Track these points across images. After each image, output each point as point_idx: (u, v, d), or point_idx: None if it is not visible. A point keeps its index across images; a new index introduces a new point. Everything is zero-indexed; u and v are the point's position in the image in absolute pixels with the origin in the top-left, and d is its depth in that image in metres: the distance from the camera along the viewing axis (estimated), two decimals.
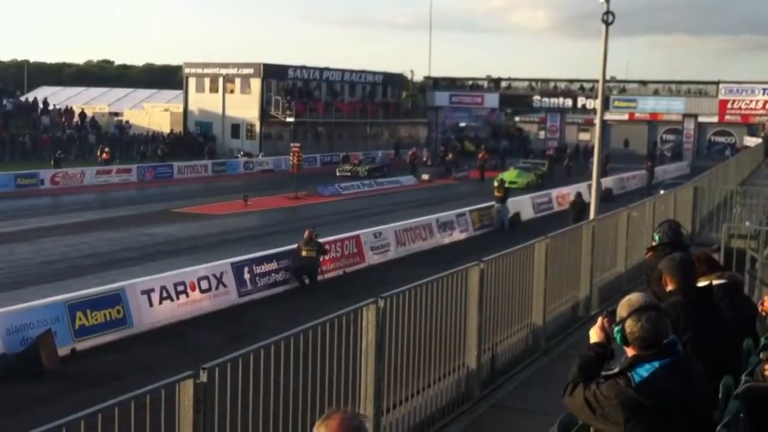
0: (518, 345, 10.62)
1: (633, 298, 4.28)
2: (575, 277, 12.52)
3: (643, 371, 4.02)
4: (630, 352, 4.15)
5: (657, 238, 7.64)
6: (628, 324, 4.12)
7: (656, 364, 4.04)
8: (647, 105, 74.77)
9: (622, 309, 4.20)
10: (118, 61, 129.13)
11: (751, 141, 67.38)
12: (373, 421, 7.21)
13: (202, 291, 18.42)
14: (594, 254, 12.84)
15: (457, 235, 29.66)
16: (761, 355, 5.64)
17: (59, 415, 4.99)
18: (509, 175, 46.66)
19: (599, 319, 4.44)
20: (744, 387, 4.98)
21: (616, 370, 4.09)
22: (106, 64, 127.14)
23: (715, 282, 6.09)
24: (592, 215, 25.44)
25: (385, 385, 7.41)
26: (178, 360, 13.62)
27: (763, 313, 6.59)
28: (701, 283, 6.06)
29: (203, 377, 5.35)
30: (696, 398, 4.10)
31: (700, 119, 74.16)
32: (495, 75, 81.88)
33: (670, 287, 5.67)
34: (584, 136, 76.62)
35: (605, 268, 14.05)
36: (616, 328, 4.18)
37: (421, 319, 8.11)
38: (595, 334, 4.44)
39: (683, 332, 5.08)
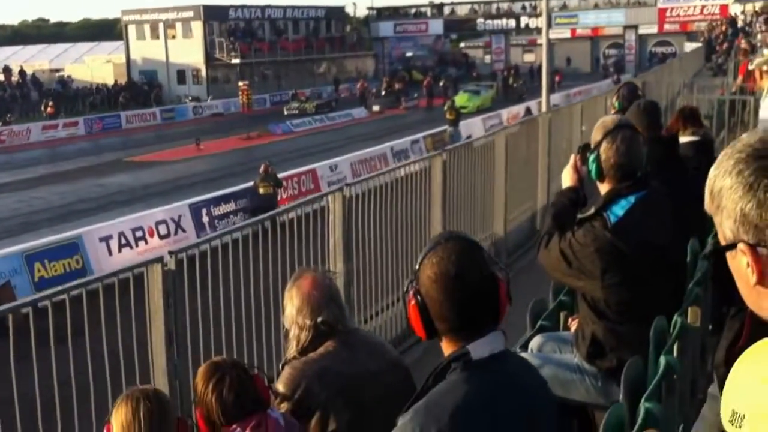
0: None
1: (607, 120, 4.12)
2: (533, 181, 12.36)
3: (619, 209, 3.89)
4: (605, 188, 4.00)
5: (617, 104, 7.45)
6: (604, 148, 3.94)
7: (631, 199, 3.91)
8: (588, 19, 74.93)
9: (597, 133, 4.02)
10: (53, 19, 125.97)
11: (691, 46, 67.63)
12: None
13: (161, 237, 18.01)
14: (551, 151, 12.62)
15: (411, 167, 29.31)
16: None
17: (23, 358, 4.78)
18: (459, 99, 46.49)
19: (572, 158, 4.26)
20: (710, 248, 4.97)
21: (592, 210, 3.96)
22: (41, 23, 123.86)
23: (688, 138, 5.98)
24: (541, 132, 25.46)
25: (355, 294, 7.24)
26: None
27: None
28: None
29: (171, 264, 5.17)
30: (671, 239, 4.01)
31: (641, 31, 74.35)
32: (437, 0, 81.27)
33: None
34: (529, 57, 76.45)
35: (561, 166, 14.08)
36: (591, 157, 3.97)
37: (387, 216, 7.93)
38: (567, 176, 4.26)
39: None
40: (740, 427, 0.73)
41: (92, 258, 16.05)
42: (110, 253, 16.59)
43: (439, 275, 2.37)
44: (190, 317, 5.71)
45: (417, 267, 2.45)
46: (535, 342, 4.45)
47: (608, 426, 3.11)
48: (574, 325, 4.37)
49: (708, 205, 1.50)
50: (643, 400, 3.20)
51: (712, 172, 1.50)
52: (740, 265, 1.32)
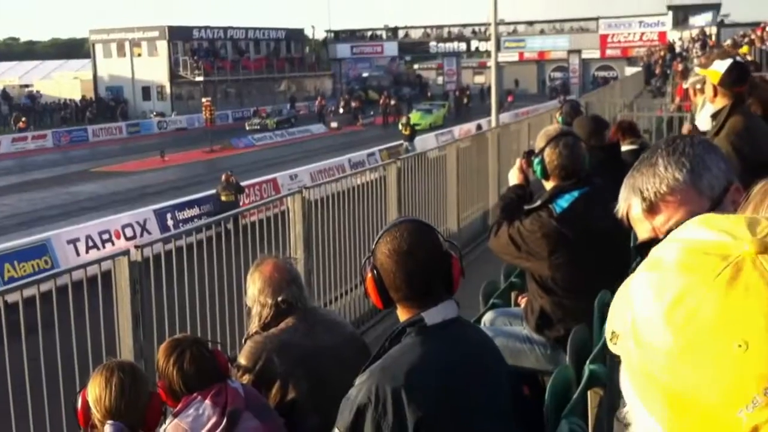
0: None
1: (550, 129, 4.19)
2: (484, 185, 12.48)
3: (563, 202, 3.94)
4: (549, 185, 4.05)
5: (560, 119, 7.57)
6: (547, 153, 3.99)
7: (575, 193, 3.96)
8: (535, 44, 76.00)
9: (540, 140, 4.08)
10: (23, 38, 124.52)
11: (631, 71, 68.71)
12: None
13: (127, 239, 17.80)
14: (500, 161, 12.79)
15: (368, 174, 29.38)
16: None
17: None
18: (413, 117, 46.69)
19: (518, 161, 4.32)
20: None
21: (538, 203, 4.00)
22: (12, 41, 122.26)
23: (627, 147, 6.10)
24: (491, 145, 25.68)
25: (315, 281, 7.23)
26: None
27: None
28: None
29: (137, 257, 5.14)
30: (614, 226, 4.01)
31: (584, 55, 75.42)
32: (392, 24, 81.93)
33: None
34: (479, 79, 77.02)
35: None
36: (536, 160, 4.03)
37: (346, 218, 7.99)
38: (514, 176, 4.33)
39: None
40: (616, 344, 0.81)
41: (60, 259, 15.81)
42: (78, 254, 16.34)
43: (392, 251, 2.44)
44: (156, 304, 5.69)
45: (374, 246, 2.52)
46: (487, 317, 4.49)
47: (555, 386, 3.15)
48: (523, 302, 4.42)
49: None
50: (587, 362, 3.25)
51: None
52: None
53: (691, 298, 0.72)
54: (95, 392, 2.98)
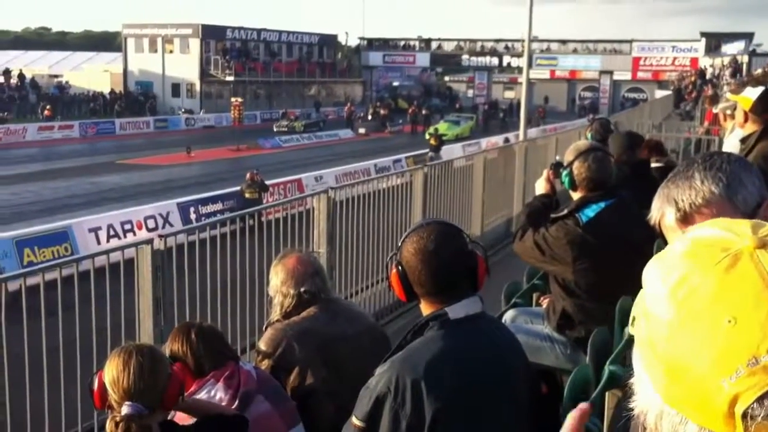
0: None
1: (580, 143, 4.27)
2: (509, 194, 12.51)
3: (590, 212, 4.01)
4: (577, 195, 4.11)
5: (590, 136, 7.61)
6: (576, 166, 4.06)
7: (602, 204, 4.02)
8: (567, 62, 75.92)
9: (570, 153, 4.14)
10: (55, 28, 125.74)
11: (661, 94, 68.46)
12: None
13: (149, 230, 17.89)
14: (527, 173, 12.81)
15: (394, 179, 29.44)
16: None
17: (12, 335, 4.76)
18: (440, 127, 46.89)
19: (545, 172, 4.41)
20: None
21: (564, 212, 4.06)
22: (44, 31, 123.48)
23: (654, 165, 6.17)
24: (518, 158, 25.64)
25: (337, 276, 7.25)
26: None
27: None
28: None
29: (160, 245, 5.17)
30: (638, 236, 4.03)
31: (615, 76, 75.30)
32: (426, 36, 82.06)
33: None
34: (509, 94, 77.07)
35: None
36: (564, 172, 4.10)
37: (370, 219, 8.03)
38: (541, 186, 4.40)
39: None
40: (633, 326, 0.91)
41: (81, 246, 15.89)
42: (98, 242, 16.44)
43: (418, 250, 2.49)
44: (177, 293, 5.72)
45: (400, 244, 2.57)
46: (509, 315, 4.57)
47: (574, 384, 3.16)
48: (545, 303, 4.48)
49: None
50: (607, 363, 3.27)
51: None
52: None
53: (693, 279, 0.82)
54: (112, 374, 2.96)
